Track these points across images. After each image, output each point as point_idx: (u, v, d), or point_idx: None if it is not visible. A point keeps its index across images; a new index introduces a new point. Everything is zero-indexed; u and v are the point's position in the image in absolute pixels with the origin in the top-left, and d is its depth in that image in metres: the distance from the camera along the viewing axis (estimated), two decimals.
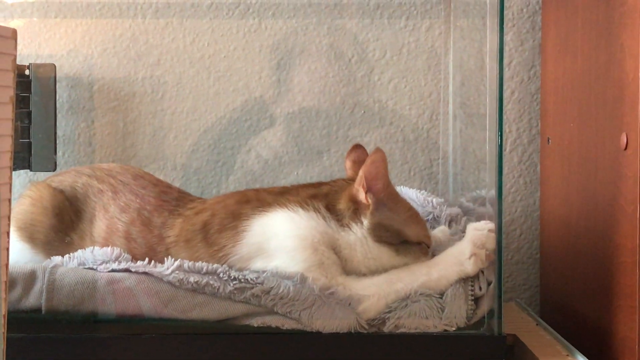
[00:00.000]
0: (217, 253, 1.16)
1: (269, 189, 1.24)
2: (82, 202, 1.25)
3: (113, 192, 1.25)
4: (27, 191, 1.27)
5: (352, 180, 1.20)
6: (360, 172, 1.16)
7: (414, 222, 1.21)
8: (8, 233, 0.92)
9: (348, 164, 1.27)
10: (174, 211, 1.22)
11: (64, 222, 1.24)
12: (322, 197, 1.20)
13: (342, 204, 1.18)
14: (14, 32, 0.93)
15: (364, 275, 1.16)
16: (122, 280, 1.13)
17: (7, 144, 0.92)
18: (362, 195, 1.17)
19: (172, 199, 1.25)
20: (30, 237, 1.22)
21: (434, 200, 1.36)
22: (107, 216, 1.23)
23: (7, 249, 0.93)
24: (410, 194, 1.39)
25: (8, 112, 0.92)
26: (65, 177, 1.29)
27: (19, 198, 1.26)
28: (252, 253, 1.16)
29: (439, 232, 1.28)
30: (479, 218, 1.22)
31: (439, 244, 1.23)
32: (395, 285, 1.14)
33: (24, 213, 1.23)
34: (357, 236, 1.16)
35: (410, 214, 1.22)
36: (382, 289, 1.13)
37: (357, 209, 1.17)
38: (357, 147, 1.28)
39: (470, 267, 1.14)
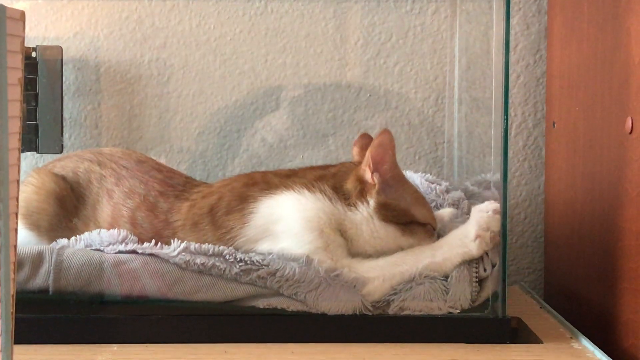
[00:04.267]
0: (225, 235, 1.17)
1: (276, 171, 1.25)
2: (85, 188, 1.26)
3: (116, 178, 1.25)
4: (29, 178, 1.27)
5: (359, 163, 1.21)
6: (367, 153, 1.17)
7: (420, 203, 1.22)
8: (17, 214, 0.93)
9: (355, 150, 1.28)
10: (180, 195, 1.23)
11: (67, 209, 1.24)
12: (329, 177, 1.20)
13: (349, 184, 1.19)
14: (22, 14, 0.93)
15: (370, 256, 1.17)
16: (129, 261, 1.13)
17: (16, 126, 0.92)
18: (368, 175, 1.18)
19: (177, 184, 1.25)
20: (34, 224, 1.23)
21: (437, 188, 1.37)
22: (111, 202, 1.23)
23: (16, 230, 0.93)
24: (414, 179, 1.39)
25: (17, 93, 0.92)
26: (67, 162, 1.29)
27: (21, 185, 1.26)
28: (259, 235, 1.16)
29: (446, 213, 1.29)
30: (483, 202, 1.23)
31: (444, 226, 1.24)
32: (399, 267, 1.15)
33: (27, 201, 1.23)
34: (363, 215, 1.17)
35: (417, 195, 1.23)
36: (387, 271, 1.14)
37: (363, 189, 1.18)
38: (365, 135, 1.29)
39: (474, 249, 1.14)
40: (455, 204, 1.33)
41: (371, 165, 1.17)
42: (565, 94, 1.42)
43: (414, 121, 1.58)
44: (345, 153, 1.54)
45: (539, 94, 1.57)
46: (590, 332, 1.21)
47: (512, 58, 1.56)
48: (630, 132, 1.14)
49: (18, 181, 0.94)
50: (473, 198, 1.35)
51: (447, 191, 1.39)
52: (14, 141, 0.92)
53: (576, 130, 1.36)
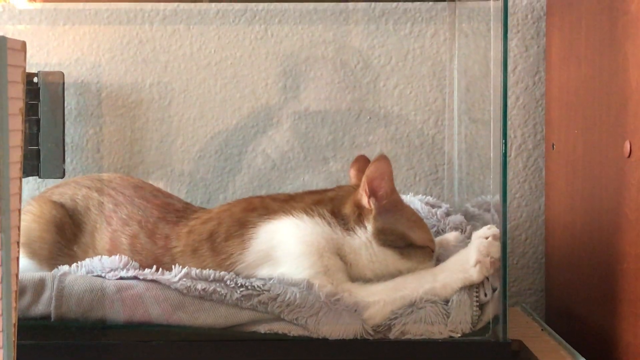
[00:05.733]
0: (225, 261, 1.17)
1: (274, 196, 1.26)
2: (84, 215, 1.26)
3: (114, 204, 1.25)
4: (27, 207, 1.27)
5: (357, 186, 1.22)
6: (364, 178, 1.18)
7: (418, 226, 1.22)
8: (18, 243, 0.94)
9: (352, 172, 1.29)
10: (179, 221, 1.23)
11: (66, 237, 1.25)
12: (327, 202, 1.21)
13: (347, 209, 1.20)
14: (23, 45, 0.94)
15: (370, 280, 1.17)
16: (131, 287, 1.14)
17: (18, 155, 0.93)
18: (365, 200, 1.18)
19: (176, 210, 1.26)
20: (34, 253, 1.23)
21: (438, 212, 1.37)
22: (109, 229, 1.23)
23: (17, 259, 0.94)
24: (415, 204, 1.40)
25: (18, 123, 0.93)
26: (65, 189, 1.29)
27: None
28: (259, 260, 1.17)
29: (451, 237, 1.29)
30: (484, 224, 1.23)
31: (449, 249, 1.24)
32: (400, 291, 1.15)
33: (26, 229, 1.23)
34: (361, 240, 1.17)
35: (414, 218, 1.23)
36: (388, 296, 1.14)
37: (361, 214, 1.18)
38: (361, 157, 1.29)
39: (475, 275, 1.15)
40: (457, 228, 1.33)
41: (367, 191, 1.18)
42: (565, 116, 1.43)
43: (414, 143, 1.58)
44: (346, 176, 1.54)
45: (538, 116, 1.57)
46: (591, 354, 1.21)
47: (512, 80, 1.57)
48: (629, 156, 1.14)
49: (19, 210, 0.94)
50: (473, 220, 1.36)
51: (448, 214, 1.39)
52: (15, 170, 0.93)
53: (575, 153, 1.36)
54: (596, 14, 1.27)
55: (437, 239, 1.27)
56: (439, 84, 1.58)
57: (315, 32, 1.56)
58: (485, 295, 1.15)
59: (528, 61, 1.57)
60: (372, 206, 1.18)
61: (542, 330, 1.34)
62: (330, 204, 1.20)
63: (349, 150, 1.57)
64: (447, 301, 1.15)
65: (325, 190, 1.25)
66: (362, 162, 1.28)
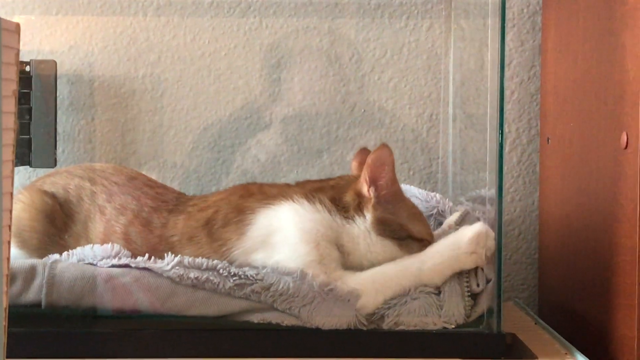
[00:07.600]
0: (221, 248, 1.17)
1: (272, 184, 1.25)
2: (76, 205, 1.24)
3: (107, 194, 1.24)
4: (18, 195, 1.24)
5: (359, 177, 1.21)
6: (365, 166, 1.18)
7: (417, 219, 1.21)
8: (10, 226, 0.93)
9: (354, 164, 1.29)
10: (174, 210, 1.22)
11: (57, 227, 1.23)
12: (328, 189, 1.20)
13: (348, 197, 1.19)
14: (17, 26, 0.93)
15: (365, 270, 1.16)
16: (122, 275, 1.13)
17: (10, 138, 0.92)
18: (364, 189, 1.18)
19: (170, 199, 1.25)
20: (24, 243, 1.22)
21: (437, 195, 1.37)
22: (103, 219, 1.22)
23: (9, 242, 0.93)
24: (412, 190, 1.40)
25: (11, 105, 0.92)
26: (57, 178, 1.28)
27: None
28: (255, 246, 1.16)
29: (453, 218, 1.29)
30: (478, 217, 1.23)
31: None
32: (391, 279, 1.14)
33: (16, 219, 1.21)
34: (360, 229, 1.17)
35: (414, 211, 1.22)
36: (379, 284, 1.14)
37: (361, 202, 1.18)
38: (364, 150, 1.29)
39: (468, 263, 1.14)
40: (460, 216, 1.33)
41: (367, 179, 1.17)
42: (560, 110, 1.42)
43: (408, 137, 1.58)
44: (340, 168, 1.54)
45: (533, 110, 1.57)
46: (586, 348, 1.20)
47: (506, 74, 1.56)
48: (625, 147, 1.14)
49: (12, 194, 0.93)
50: (468, 215, 1.35)
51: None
52: (8, 153, 0.92)
53: (571, 146, 1.36)
54: (593, 6, 1.27)
55: (439, 229, 1.27)
56: (434, 78, 1.57)
57: (310, 24, 1.56)
58: (478, 285, 1.15)
59: (523, 55, 1.57)
60: (372, 195, 1.17)
61: (535, 324, 1.33)
62: (330, 192, 1.20)
63: (342, 143, 1.56)
64: (439, 291, 1.14)
65: (326, 179, 1.25)
66: (364, 155, 1.27)
